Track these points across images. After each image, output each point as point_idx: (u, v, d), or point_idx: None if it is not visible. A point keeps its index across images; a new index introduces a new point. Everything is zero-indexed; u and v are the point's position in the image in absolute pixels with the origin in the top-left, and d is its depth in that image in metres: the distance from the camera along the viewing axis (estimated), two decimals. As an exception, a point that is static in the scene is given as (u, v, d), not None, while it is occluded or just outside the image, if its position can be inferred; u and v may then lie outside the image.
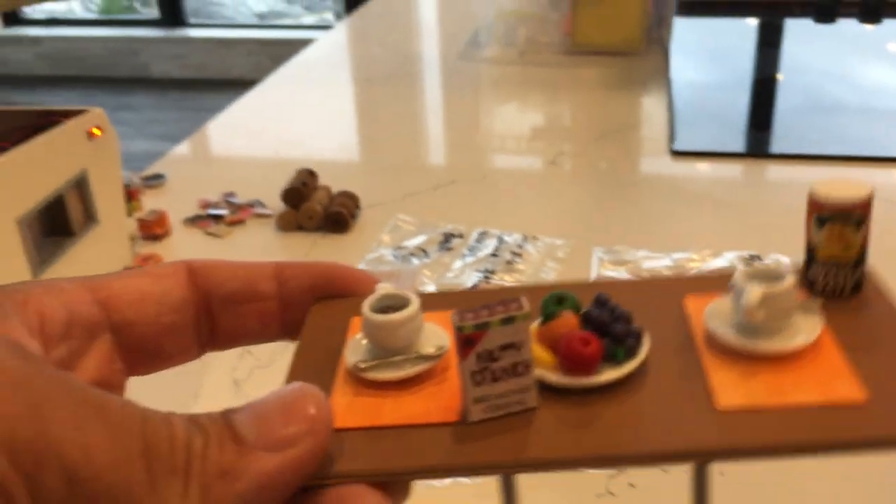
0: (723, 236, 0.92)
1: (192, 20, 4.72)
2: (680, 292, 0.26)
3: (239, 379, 0.73)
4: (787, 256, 0.83)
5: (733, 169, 1.11)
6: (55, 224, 0.51)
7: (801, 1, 1.65)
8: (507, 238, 0.93)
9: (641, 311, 0.24)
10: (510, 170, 1.16)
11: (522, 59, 1.55)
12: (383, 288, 0.25)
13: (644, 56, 1.51)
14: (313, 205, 0.96)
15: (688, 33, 1.57)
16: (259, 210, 1.01)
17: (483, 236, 0.94)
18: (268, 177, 1.07)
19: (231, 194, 1.04)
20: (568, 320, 0.23)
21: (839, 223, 0.24)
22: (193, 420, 0.21)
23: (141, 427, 0.21)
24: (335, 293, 0.29)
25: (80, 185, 0.62)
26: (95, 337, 0.26)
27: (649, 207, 1.01)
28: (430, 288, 0.85)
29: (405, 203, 1.03)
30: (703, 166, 1.11)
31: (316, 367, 0.25)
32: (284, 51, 4.52)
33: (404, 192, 1.06)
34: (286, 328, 0.30)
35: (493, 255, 0.90)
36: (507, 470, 0.22)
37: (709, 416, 0.22)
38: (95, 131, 0.58)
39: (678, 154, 1.12)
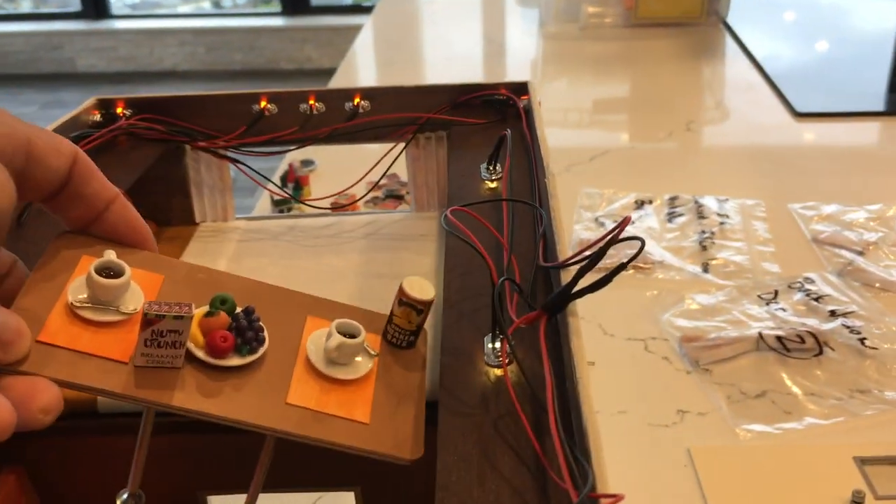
0: (885, 189, 0.99)
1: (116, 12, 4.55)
2: (307, 309, 0.38)
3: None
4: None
5: (870, 127, 1.18)
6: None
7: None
8: (701, 200, 0.97)
9: (278, 317, 0.36)
10: (648, 139, 1.20)
11: (584, 35, 1.59)
12: (108, 254, 0.34)
13: (705, 27, 1.57)
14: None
15: (743, 4, 1.65)
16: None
17: (674, 200, 0.97)
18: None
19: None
20: (220, 319, 0.34)
21: (408, 308, 0.37)
22: None
23: None
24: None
25: None
26: None
27: (792, 164, 1.07)
28: (655, 250, 0.88)
29: (571, 174, 1.05)
30: (833, 126, 1.17)
31: (45, 290, 0.34)
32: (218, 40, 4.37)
33: (565, 164, 1.08)
34: None
35: (700, 216, 0.93)
36: (145, 404, 0.33)
37: (279, 403, 0.34)
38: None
39: (802, 115, 1.18)
